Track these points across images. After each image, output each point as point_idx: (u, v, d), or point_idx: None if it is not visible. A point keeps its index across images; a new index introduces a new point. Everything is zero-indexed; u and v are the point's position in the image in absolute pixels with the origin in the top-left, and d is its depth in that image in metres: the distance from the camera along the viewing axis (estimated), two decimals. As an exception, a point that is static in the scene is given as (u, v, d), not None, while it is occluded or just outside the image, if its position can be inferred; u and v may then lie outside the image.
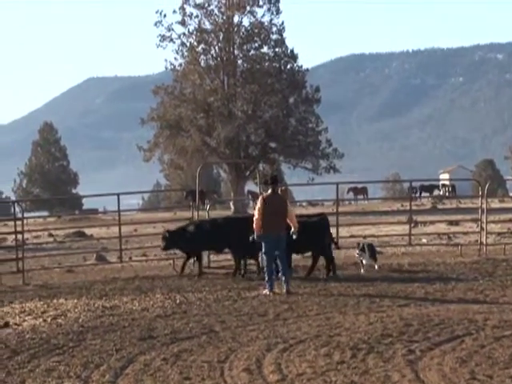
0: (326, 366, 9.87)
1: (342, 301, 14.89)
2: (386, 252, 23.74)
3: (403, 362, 9.89)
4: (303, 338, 11.43)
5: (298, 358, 10.26)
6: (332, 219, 21.02)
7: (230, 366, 10.08)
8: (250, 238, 16.63)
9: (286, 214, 16.31)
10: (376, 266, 18.97)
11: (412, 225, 24.87)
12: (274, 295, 15.85)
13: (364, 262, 19.16)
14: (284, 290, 16.05)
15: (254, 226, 16.30)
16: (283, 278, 16.19)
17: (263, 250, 16.47)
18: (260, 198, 16.53)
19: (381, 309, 13.90)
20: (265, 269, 16.51)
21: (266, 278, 16.28)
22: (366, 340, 11.13)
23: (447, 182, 67.34)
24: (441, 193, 63.03)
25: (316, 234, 18.47)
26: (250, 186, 58.44)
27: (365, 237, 26.18)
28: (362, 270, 19.00)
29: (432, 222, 30.98)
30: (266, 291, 16.12)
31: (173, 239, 19.68)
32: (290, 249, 17.26)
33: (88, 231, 35.79)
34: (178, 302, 15.48)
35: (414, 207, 24.82)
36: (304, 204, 55.73)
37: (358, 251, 19.39)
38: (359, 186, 62.22)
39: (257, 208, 16.34)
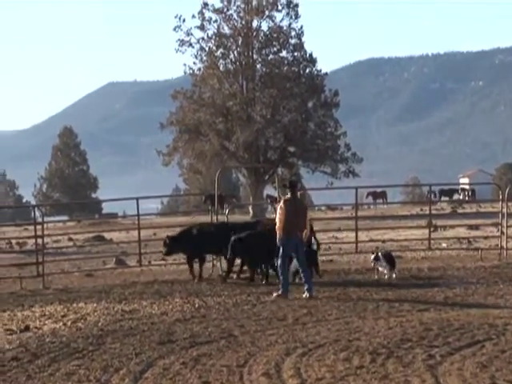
0: (345, 370, 9.84)
1: (361, 305, 14.85)
2: (406, 256, 23.65)
3: (423, 367, 9.85)
4: (322, 343, 11.40)
5: (317, 363, 10.24)
6: (351, 223, 20.99)
7: (249, 370, 10.07)
8: (278, 243, 16.38)
9: (305, 218, 16.35)
10: (394, 276, 18.79)
11: (431, 229, 24.76)
12: (286, 299, 15.74)
13: (380, 269, 19.03)
14: (307, 295, 15.99)
15: (277, 229, 16.25)
16: (307, 283, 16.17)
17: (280, 252, 16.35)
18: (281, 201, 16.50)
19: (400, 313, 13.85)
20: (280, 272, 16.39)
21: (282, 281, 16.19)
22: (386, 345, 11.08)
23: (467, 186, 67.00)
24: (460, 197, 62.73)
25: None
26: (269, 191, 58.42)
27: (384, 241, 26.15)
28: (375, 276, 18.90)
29: (452, 227, 30.87)
30: (277, 293, 16.05)
31: (174, 244, 19.70)
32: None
33: (107, 235, 35.91)
34: (196, 306, 15.49)
35: (433, 211, 24.71)
36: (323, 208, 55.64)
37: (372, 259, 19.34)
38: (378, 190, 61.95)
39: (278, 212, 16.32)
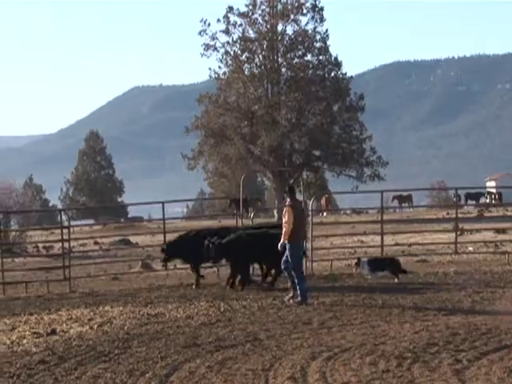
0: (371, 374, 9.80)
1: (387, 309, 14.79)
2: (432, 260, 23.54)
3: (450, 372, 9.79)
4: (348, 347, 11.37)
5: (343, 367, 10.21)
6: (376, 227, 20.93)
7: (275, 374, 10.06)
8: (280, 248, 16.39)
9: (305, 223, 16.78)
10: (396, 280, 18.90)
11: (458, 233, 24.62)
12: (309, 304, 15.67)
13: (362, 272, 19.29)
14: (299, 299, 16.00)
15: (287, 235, 16.18)
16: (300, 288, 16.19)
17: (293, 258, 16.21)
18: (289, 207, 16.37)
19: (426, 317, 13.78)
20: (295, 278, 16.19)
21: (300, 287, 16.05)
22: (412, 349, 11.03)
23: (494, 190, 66.51)
24: (487, 200, 62.28)
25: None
26: (294, 194, 58.28)
27: (410, 245, 26.04)
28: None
29: (478, 230, 30.63)
30: (297, 299, 15.95)
31: (171, 250, 19.70)
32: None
33: (133, 239, 36.04)
34: (222, 309, 15.51)
35: (459, 215, 24.56)
36: (348, 212, 55.53)
37: (353, 264, 19.55)
38: (404, 193, 61.73)
39: (287, 217, 16.21)
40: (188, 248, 19.30)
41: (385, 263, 19.42)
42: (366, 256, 20.62)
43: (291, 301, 16.06)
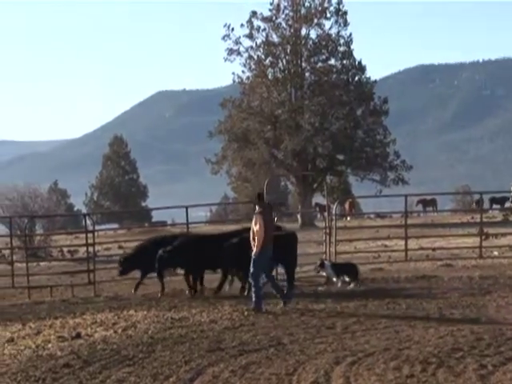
0: (395, 379, 9.77)
1: (411, 314, 14.74)
2: (456, 265, 23.40)
3: (475, 377, 9.73)
4: (372, 351, 11.33)
5: (367, 372, 10.18)
6: (400, 231, 20.86)
7: (298, 378, 10.05)
8: (254, 255, 16.12)
9: (273, 228, 16.65)
10: (356, 285, 18.87)
11: (483, 237, 24.47)
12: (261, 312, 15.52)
13: (324, 274, 19.40)
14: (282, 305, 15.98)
15: (259, 242, 15.96)
16: (279, 292, 16.25)
17: (257, 265, 16.00)
18: (259, 214, 16.16)
19: (451, 322, 13.71)
20: (255, 284, 15.98)
21: (257, 295, 15.83)
22: (436, 354, 10.98)
23: (519, 194, 65.90)
24: (512, 205, 61.75)
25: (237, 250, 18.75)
26: (318, 199, 58.24)
27: (434, 249, 25.90)
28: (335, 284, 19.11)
29: (504, 235, 30.41)
30: (254, 307, 15.78)
31: (128, 263, 19.65)
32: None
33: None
34: (245, 314, 15.51)
35: (484, 219, 24.41)
36: (372, 216, 55.33)
37: (317, 265, 19.45)
38: (428, 197, 61.36)
39: (258, 225, 15.98)
40: (146, 258, 19.25)
41: (345, 268, 19.35)
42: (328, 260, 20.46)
43: (285, 307, 15.94)
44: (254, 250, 16.04)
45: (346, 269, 19.24)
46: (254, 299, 15.88)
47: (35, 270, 26.16)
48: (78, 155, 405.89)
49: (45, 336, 14.03)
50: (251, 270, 16.11)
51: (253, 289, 16.05)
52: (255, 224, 16.10)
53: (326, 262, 19.44)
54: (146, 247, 19.98)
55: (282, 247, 18.55)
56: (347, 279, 19.02)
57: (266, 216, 16.29)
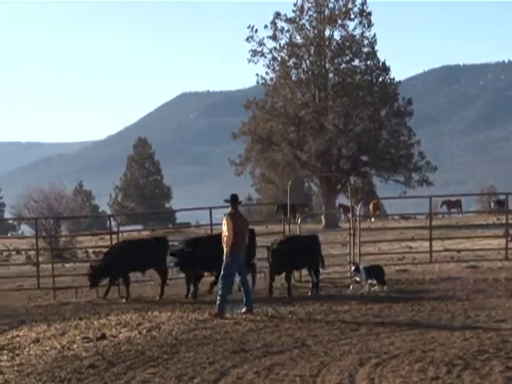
0: (420, 381, 9.73)
1: (436, 316, 14.67)
2: (482, 266, 23.24)
3: (500, 379, 9.67)
4: (396, 353, 11.29)
5: (392, 373, 10.14)
6: (425, 233, 20.76)
7: (323, 380, 10.03)
8: (225, 257, 15.91)
9: (246, 232, 16.26)
10: (382, 288, 18.74)
11: (509, 239, 24.28)
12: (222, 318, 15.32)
13: (358, 279, 19.11)
14: (245, 310, 15.75)
15: (227, 245, 15.77)
16: (248, 297, 15.94)
17: (227, 269, 15.79)
18: (227, 216, 15.97)
19: (476, 324, 13.63)
20: (220, 288, 15.85)
21: (223, 299, 15.63)
22: (462, 356, 10.92)
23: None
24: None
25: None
26: (342, 200, 58.13)
27: (459, 251, 25.74)
28: (350, 288, 18.91)
29: (529, 236, 30.14)
30: (217, 312, 15.56)
31: (97, 275, 19.59)
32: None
33: (181, 245, 36.17)
34: (269, 315, 15.51)
35: (510, 221, 24.23)
36: (396, 217, 55.14)
37: (352, 270, 19.26)
38: (453, 198, 61.04)
39: (226, 227, 15.81)
40: (113, 265, 19.28)
41: (376, 272, 19.22)
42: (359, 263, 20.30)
43: (247, 312, 15.68)
44: (225, 251, 15.81)
45: (375, 272, 19.14)
46: (217, 302, 15.59)
47: (60, 271, 26.29)
48: (102, 157, 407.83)
49: (70, 337, 14.10)
50: (222, 272, 15.91)
51: (219, 292, 15.81)
52: (223, 226, 15.92)
53: (360, 267, 19.27)
54: (112, 254, 19.89)
55: (305, 250, 18.60)
56: (374, 282, 18.91)
57: (237, 219, 15.97)
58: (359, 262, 20.80)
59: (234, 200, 16.28)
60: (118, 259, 19.35)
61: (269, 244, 19.27)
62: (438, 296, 17.23)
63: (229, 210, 16.23)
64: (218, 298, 15.71)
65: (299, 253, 18.74)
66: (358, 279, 19.09)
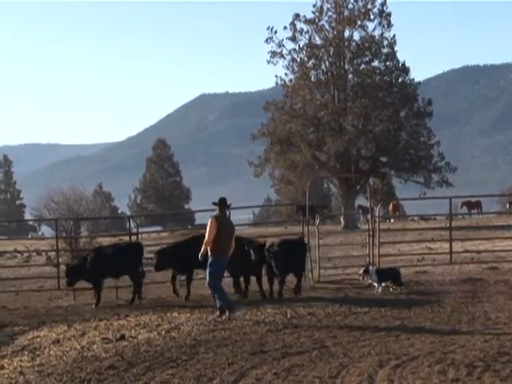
0: (440, 383, 9.69)
1: (456, 317, 14.60)
2: (502, 268, 23.11)
3: (521, 381, 9.61)
4: (416, 355, 11.25)
5: (412, 375, 10.10)
6: (445, 234, 20.68)
7: (342, 381, 10.01)
8: (200, 258, 15.87)
9: (233, 237, 15.98)
10: (400, 289, 18.69)
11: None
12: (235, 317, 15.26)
13: (369, 281, 19.07)
14: (227, 315, 15.52)
15: (207, 246, 15.67)
16: (226, 303, 15.72)
17: (212, 271, 15.63)
18: (212, 219, 15.77)
19: (497, 326, 13.56)
20: (216, 292, 15.73)
21: (221, 301, 15.56)
22: (482, 358, 10.86)
23: None
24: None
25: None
26: (361, 201, 57.99)
27: (479, 252, 25.61)
28: (375, 291, 18.78)
29: (551, 237, 29.97)
30: (225, 316, 15.44)
31: (74, 274, 19.44)
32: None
33: (200, 246, 36.22)
34: (288, 316, 15.49)
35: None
36: (416, 218, 54.94)
37: (361, 272, 19.17)
38: (473, 199, 60.79)
39: (208, 230, 15.66)
40: (88, 268, 19.19)
41: (389, 273, 19.18)
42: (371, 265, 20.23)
43: (223, 317, 15.49)
44: (202, 249, 15.75)
45: (390, 274, 19.08)
46: (224, 305, 15.49)
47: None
48: (121, 158, 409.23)
49: (90, 337, 14.15)
50: (207, 279, 15.83)
51: (215, 295, 15.77)
52: (208, 228, 15.76)
53: (370, 268, 19.26)
54: (86, 259, 19.83)
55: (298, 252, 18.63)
56: (390, 284, 18.85)
57: (222, 223, 15.74)
58: (376, 263, 20.74)
59: (222, 203, 16.07)
60: (90, 264, 19.22)
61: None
62: (458, 297, 17.14)
63: (216, 212, 16.01)
64: (217, 301, 15.67)
65: (295, 255, 18.73)
66: (369, 281, 19.08)
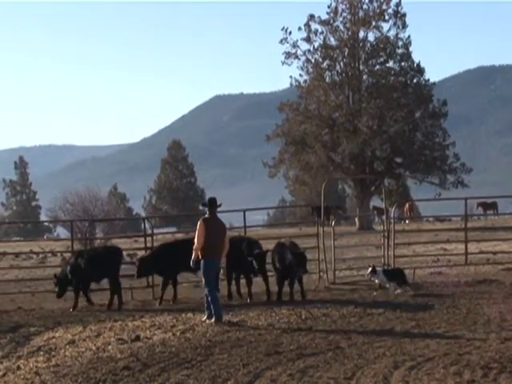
0: (455, 385, 9.65)
1: (472, 318, 14.54)
2: (518, 269, 23.01)
3: (537, 383, 9.56)
4: (431, 356, 11.21)
5: (427, 377, 10.07)
6: (460, 235, 20.60)
7: (357, 382, 10.00)
8: (192, 264, 15.72)
9: (225, 238, 15.69)
10: (405, 289, 18.65)
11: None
12: (228, 323, 15.12)
13: (376, 281, 19.12)
14: (212, 320, 15.31)
15: (197, 250, 15.47)
16: (214, 307, 15.45)
17: (205, 275, 15.43)
18: (201, 221, 15.50)
19: (513, 327, 13.49)
20: (208, 296, 15.51)
21: (212, 306, 15.36)
22: (498, 359, 10.81)
23: None
24: None
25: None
26: (376, 202, 57.88)
27: (495, 253, 25.51)
28: (390, 291, 18.76)
29: None
30: (212, 320, 15.27)
31: (63, 283, 19.34)
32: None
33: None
34: (303, 317, 15.48)
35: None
36: (431, 219, 54.79)
37: (368, 272, 19.13)
38: (489, 200, 60.53)
39: (197, 233, 15.40)
40: (73, 275, 19.10)
41: (397, 274, 19.13)
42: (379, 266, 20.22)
43: (207, 321, 15.37)
44: (193, 256, 15.58)
45: (397, 274, 19.08)
46: (213, 311, 15.33)
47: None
48: (136, 159, 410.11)
49: (105, 338, 14.19)
50: (203, 281, 15.65)
51: (208, 299, 15.52)
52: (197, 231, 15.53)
53: (377, 269, 19.25)
54: (70, 263, 19.75)
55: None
56: (397, 284, 18.84)
57: (212, 225, 15.48)
58: (391, 264, 20.71)
59: (211, 204, 15.74)
60: (72, 269, 19.16)
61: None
62: (474, 298, 17.07)
63: (206, 214, 15.78)
64: (212, 305, 15.43)
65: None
66: (376, 281, 19.08)
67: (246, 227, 23.30)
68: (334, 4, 54.02)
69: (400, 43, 54.01)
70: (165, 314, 16.94)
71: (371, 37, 54.10)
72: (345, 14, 54.07)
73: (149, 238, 22.86)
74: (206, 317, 15.59)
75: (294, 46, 54.11)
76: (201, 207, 17.72)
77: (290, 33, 54.17)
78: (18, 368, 12.02)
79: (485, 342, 12.17)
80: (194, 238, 15.70)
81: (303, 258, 18.07)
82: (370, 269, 19.27)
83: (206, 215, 15.76)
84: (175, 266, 19.04)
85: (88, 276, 19.12)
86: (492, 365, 10.50)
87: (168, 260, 19.06)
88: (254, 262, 18.18)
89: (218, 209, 15.98)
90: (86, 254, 19.55)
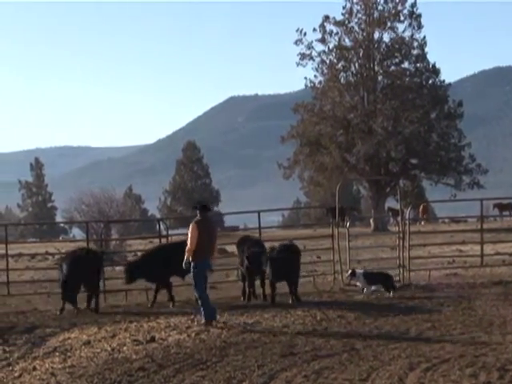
0: (471, 387, 9.62)
1: (487, 320, 14.48)
2: (534, 270, 22.88)
3: (553, 385, 9.51)
4: (447, 358, 11.18)
5: (442, 378, 10.04)
6: (476, 236, 20.51)
7: (372, 384, 9.98)
8: (184, 265, 15.64)
9: (215, 240, 15.75)
10: (389, 293, 18.56)
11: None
12: (216, 324, 15.13)
13: (358, 284, 19.02)
14: (203, 321, 15.27)
15: (187, 252, 15.45)
16: (204, 309, 15.41)
17: (196, 277, 15.39)
18: (193, 224, 15.52)
19: (529, 329, 13.42)
20: (200, 296, 15.44)
21: (203, 308, 15.33)
22: (514, 361, 10.76)
23: None
24: None
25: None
26: (391, 203, 57.75)
27: (511, 254, 25.37)
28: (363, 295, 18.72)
29: None
30: (203, 320, 15.25)
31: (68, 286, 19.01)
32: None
33: (229, 248, 36.26)
34: (318, 318, 15.46)
35: None
36: (446, 221, 54.60)
37: (347, 275, 19.22)
38: (505, 201, 60.26)
39: (190, 236, 15.42)
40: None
41: (379, 278, 19.05)
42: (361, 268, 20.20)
43: (201, 322, 15.34)
44: (185, 257, 15.53)
45: (379, 278, 18.99)
46: (203, 312, 15.32)
47: (111, 274, 26.52)
48: (151, 160, 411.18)
49: (120, 339, 14.22)
50: (193, 283, 15.64)
51: (199, 301, 15.50)
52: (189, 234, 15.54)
53: (357, 271, 19.21)
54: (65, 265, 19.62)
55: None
56: (382, 289, 18.78)
57: (204, 227, 15.48)
58: (406, 266, 20.64)
59: (202, 208, 15.82)
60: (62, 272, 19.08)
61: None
62: (490, 300, 17.00)
63: (197, 217, 15.75)
64: (202, 307, 15.40)
65: (293, 261, 18.61)
66: (358, 284, 19.05)
67: (260, 228, 23.27)
68: (348, 5, 54.04)
69: (415, 44, 53.91)
70: (180, 315, 16.96)
71: (386, 38, 54.09)
72: (360, 15, 54.05)
73: (164, 240, 22.86)
74: (203, 320, 15.50)
75: (309, 47, 54.13)
76: (192, 210, 17.67)
77: (305, 34, 54.21)
78: (34, 369, 12.07)
79: (501, 343, 12.12)
80: (182, 242, 15.76)
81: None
82: (349, 271, 19.31)
83: (198, 217, 15.75)
84: (162, 271, 18.90)
85: (71, 279, 18.82)
86: (508, 367, 10.46)
87: (155, 265, 18.92)
88: (247, 260, 18.37)
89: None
90: (67, 258, 19.36)
